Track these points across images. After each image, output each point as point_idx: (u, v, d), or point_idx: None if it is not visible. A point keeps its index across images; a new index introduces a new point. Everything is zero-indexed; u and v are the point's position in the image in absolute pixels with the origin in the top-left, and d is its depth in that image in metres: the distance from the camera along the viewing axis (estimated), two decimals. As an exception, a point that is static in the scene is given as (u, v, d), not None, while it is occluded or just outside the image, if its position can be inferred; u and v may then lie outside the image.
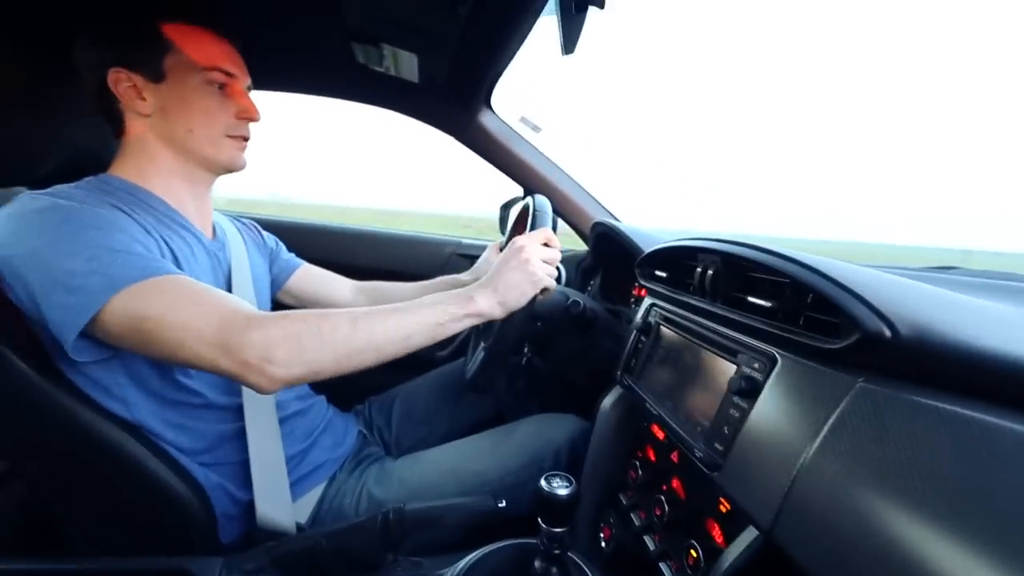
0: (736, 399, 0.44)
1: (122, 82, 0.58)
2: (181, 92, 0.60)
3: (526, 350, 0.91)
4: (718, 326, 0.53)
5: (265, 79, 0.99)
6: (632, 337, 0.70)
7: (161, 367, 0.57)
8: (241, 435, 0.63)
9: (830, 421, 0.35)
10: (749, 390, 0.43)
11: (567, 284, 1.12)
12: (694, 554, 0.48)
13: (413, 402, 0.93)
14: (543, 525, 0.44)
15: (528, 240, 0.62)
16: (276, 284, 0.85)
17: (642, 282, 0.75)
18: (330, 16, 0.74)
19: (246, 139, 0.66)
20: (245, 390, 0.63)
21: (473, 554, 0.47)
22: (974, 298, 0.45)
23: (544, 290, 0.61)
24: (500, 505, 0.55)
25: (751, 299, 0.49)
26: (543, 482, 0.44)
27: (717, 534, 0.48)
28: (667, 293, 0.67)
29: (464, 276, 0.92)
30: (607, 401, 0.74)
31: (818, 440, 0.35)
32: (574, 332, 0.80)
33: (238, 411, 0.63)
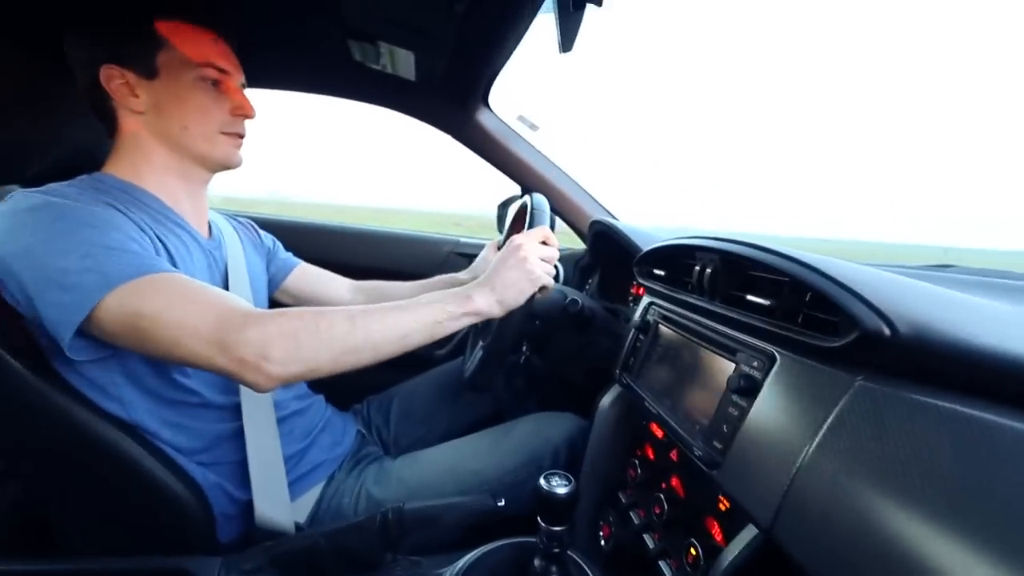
0: (735, 397, 0.44)
1: (115, 79, 0.58)
2: (175, 89, 0.59)
3: (524, 349, 0.91)
4: (717, 324, 0.53)
5: (262, 77, 0.99)
6: (630, 336, 0.70)
7: (158, 366, 0.57)
8: (239, 434, 0.62)
9: (829, 419, 0.35)
10: (748, 388, 0.43)
11: (565, 283, 1.12)
12: (693, 552, 0.48)
13: (411, 401, 0.92)
14: (542, 524, 0.44)
15: (526, 238, 0.62)
16: (273, 283, 0.85)
17: (640, 280, 0.75)
18: (328, 14, 0.73)
19: (241, 136, 0.66)
20: (243, 389, 0.63)
21: (472, 553, 0.47)
22: (972, 296, 0.45)
23: (542, 288, 0.61)
24: (499, 504, 0.55)
25: (750, 297, 0.49)
26: (542, 481, 0.44)
27: (716, 532, 0.48)
28: (665, 291, 0.67)
29: (462, 275, 0.92)
30: (606, 400, 0.74)
31: (817, 438, 0.35)
32: (572, 331, 0.80)
33: (236, 410, 0.63)
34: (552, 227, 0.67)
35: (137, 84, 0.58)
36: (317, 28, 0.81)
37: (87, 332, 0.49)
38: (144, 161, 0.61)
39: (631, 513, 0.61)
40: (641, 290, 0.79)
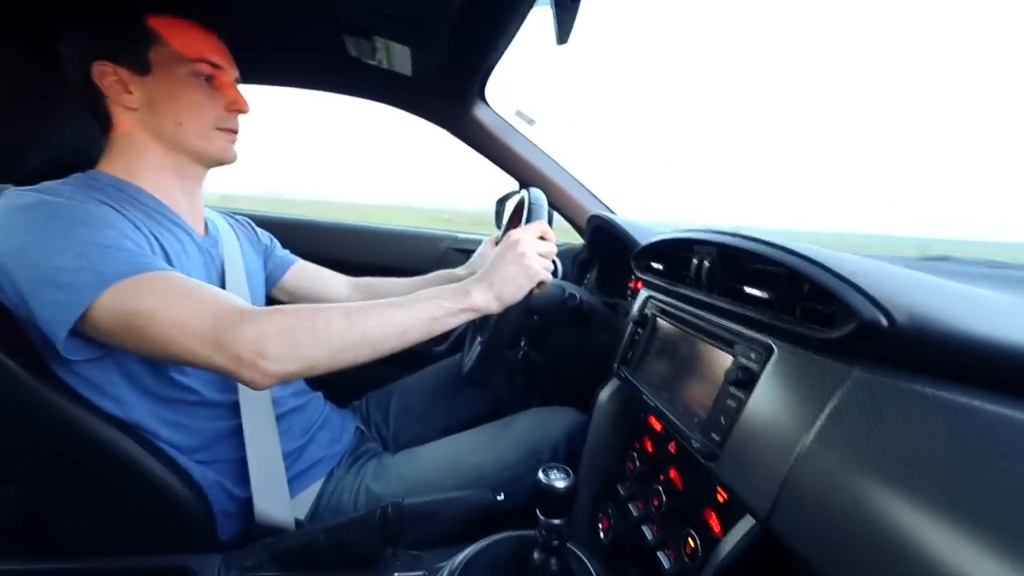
0: (733, 389, 0.44)
1: (107, 76, 0.57)
2: (168, 85, 0.59)
3: (523, 344, 0.91)
4: (714, 317, 0.53)
5: (257, 73, 0.98)
6: (629, 329, 0.70)
7: (155, 365, 0.56)
8: (238, 432, 0.62)
9: (827, 410, 0.35)
10: (745, 380, 0.43)
11: (563, 277, 1.12)
12: (692, 543, 0.48)
13: (410, 397, 0.93)
14: (541, 517, 0.44)
15: (523, 234, 0.62)
16: (271, 281, 0.84)
17: (638, 274, 0.75)
18: (323, 9, 0.73)
19: (235, 131, 0.65)
20: (241, 387, 0.63)
21: (472, 547, 0.47)
22: (969, 287, 0.45)
23: (540, 284, 0.61)
24: (498, 498, 0.55)
25: (747, 290, 0.49)
26: (541, 474, 0.44)
27: (714, 523, 0.48)
28: (663, 285, 0.67)
29: (460, 271, 0.92)
30: (604, 393, 0.74)
31: (815, 429, 0.35)
32: (571, 325, 0.80)
33: (234, 408, 0.62)
34: (550, 222, 0.66)
35: (130, 81, 0.58)
36: (312, 23, 0.80)
37: (82, 331, 0.49)
38: (138, 158, 0.60)
39: (630, 505, 0.62)
40: (639, 284, 0.79)
